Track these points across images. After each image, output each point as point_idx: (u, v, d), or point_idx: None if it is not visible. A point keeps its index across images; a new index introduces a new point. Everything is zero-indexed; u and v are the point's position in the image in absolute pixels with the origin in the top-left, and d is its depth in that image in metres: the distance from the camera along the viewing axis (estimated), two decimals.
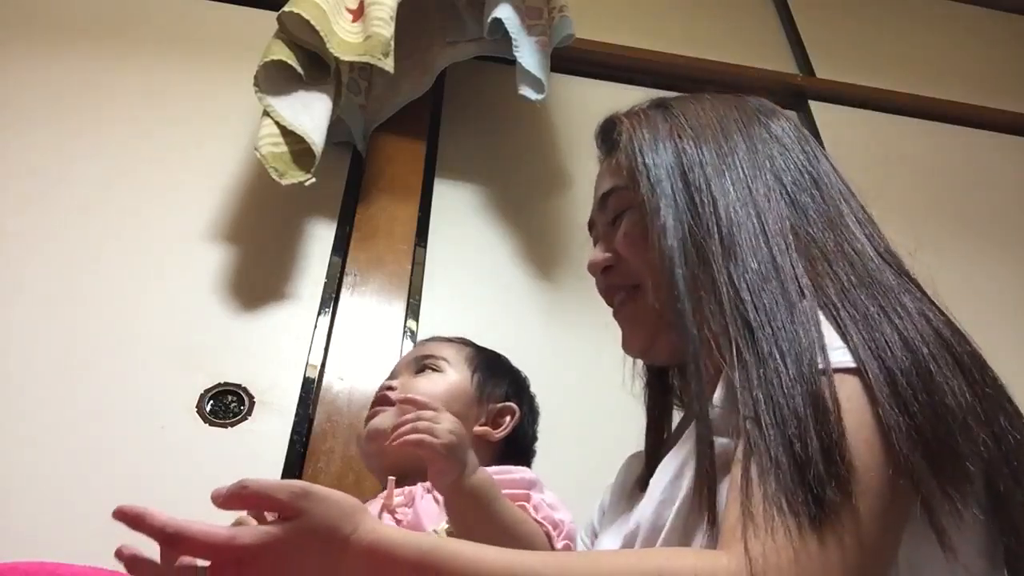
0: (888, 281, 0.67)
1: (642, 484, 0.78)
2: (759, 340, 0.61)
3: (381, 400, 0.88)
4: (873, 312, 0.62)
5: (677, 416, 0.87)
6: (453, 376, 0.87)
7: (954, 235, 1.72)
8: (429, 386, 0.86)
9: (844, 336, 0.60)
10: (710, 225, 0.69)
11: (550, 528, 0.73)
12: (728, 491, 0.59)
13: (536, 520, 0.73)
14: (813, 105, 1.88)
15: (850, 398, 0.57)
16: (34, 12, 1.56)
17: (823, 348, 0.59)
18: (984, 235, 1.75)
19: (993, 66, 2.18)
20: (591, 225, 0.86)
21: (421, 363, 0.89)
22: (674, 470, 0.66)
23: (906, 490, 0.56)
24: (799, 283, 0.64)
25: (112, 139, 1.41)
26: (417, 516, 0.77)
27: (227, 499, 0.57)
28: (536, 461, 0.96)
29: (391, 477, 0.82)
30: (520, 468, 0.81)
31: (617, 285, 0.79)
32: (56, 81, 1.47)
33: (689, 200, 0.71)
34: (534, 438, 0.94)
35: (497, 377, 0.90)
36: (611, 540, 0.76)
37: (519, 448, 0.88)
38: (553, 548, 0.72)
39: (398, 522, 0.76)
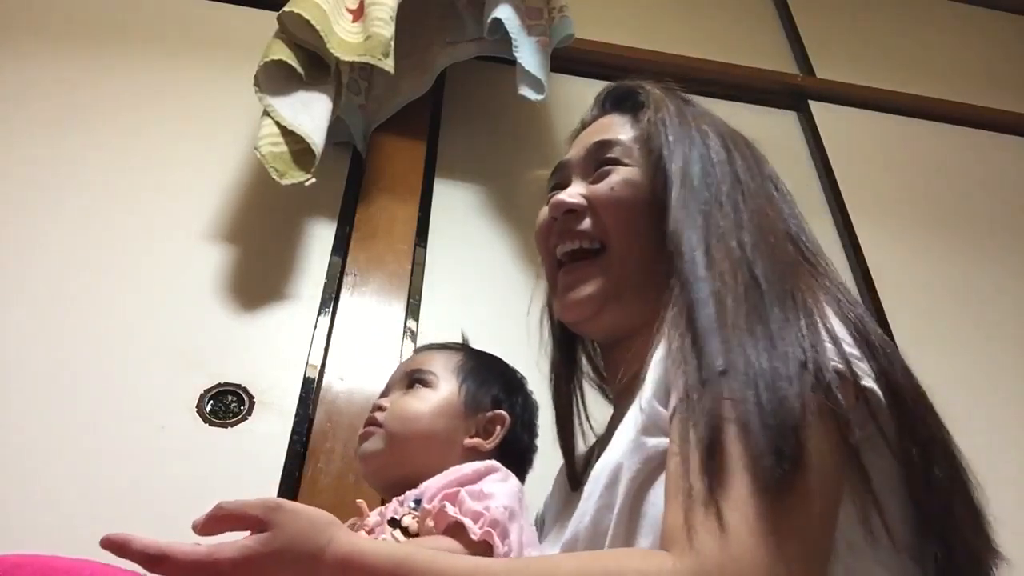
0: (845, 305, 0.69)
1: (574, 484, 0.78)
2: (756, 347, 0.60)
3: (370, 423, 0.88)
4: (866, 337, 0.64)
5: (600, 409, 0.87)
6: (442, 390, 0.87)
7: (954, 235, 1.73)
8: (417, 404, 0.86)
9: (841, 345, 0.61)
10: (726, 222, 0.69)
11: (468, 521, 0.71)
12: (666, 490, 0.58)
13: (452, 517, 0.72)
14: (813, 105, 1.88)
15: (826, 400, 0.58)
16: (31, 11, 1.56)
17: (813, 355, 0.60)
18: (985, 235, 1.75)
19: (994, 66, 2.18)
20: (561, 167, 0.83)
21: (411, 378, 0.90)
22: (608, 475, 0.65)
23: (843, 475, 0.57)
24: (794, 296, 0.65)
25: (111, 139, 1.41)
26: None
27: (205, 523, 0.60)
28: (534, 462, 0.96)
29: (359, 500, 0.83)
30: (476, 463, 0.80)
31: (575, 232, 0.77)
32: (53, 80, 1.46)
33: (705, 189, 0.72)
34: (531, 441, 0.93)
35: (486, 385, 0.90)
36: (550, 549, 0.75)
37: (513, 453, 0.87)
38: (470, 539, 0.70)
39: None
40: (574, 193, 0.78)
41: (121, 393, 1.12)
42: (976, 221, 1.77)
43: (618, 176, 0.76)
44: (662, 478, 0.60)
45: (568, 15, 1.44)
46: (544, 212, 0.82)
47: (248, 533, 0.59)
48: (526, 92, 1.37)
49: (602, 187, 0.76)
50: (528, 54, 1.37)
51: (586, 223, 0.77)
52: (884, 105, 1.93)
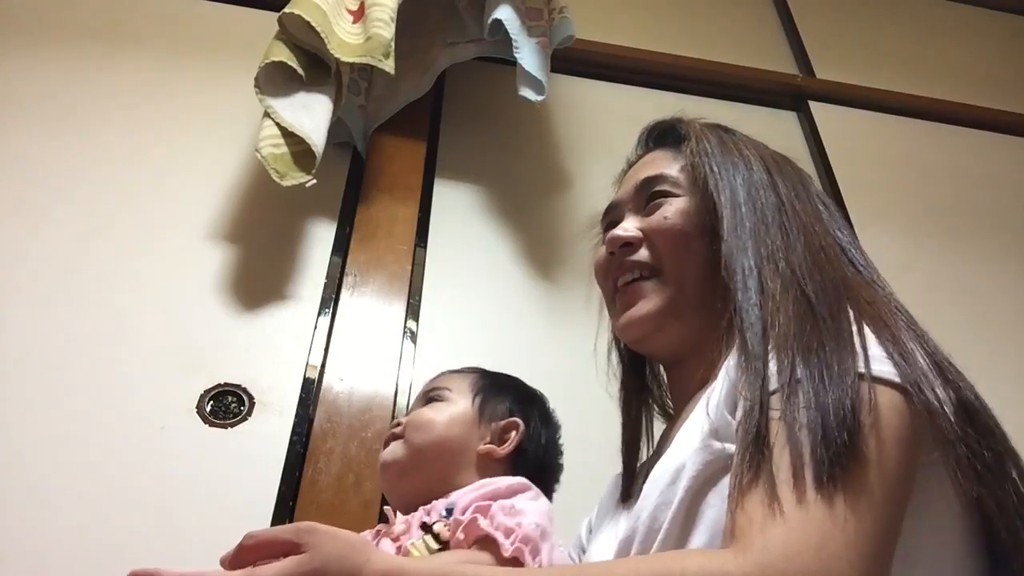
0: (908, 322, 0.72)
1: (625, 497, 0.79)
2: (810, 361, 0.61)
3: (391, 436, 0.90)
4: (908, 344, 0.65)
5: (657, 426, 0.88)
6: (456, 402, 0.90)
7: (954, 235, 1.73)
8: (431, 413, 0.89)
9: (890, 357, 0.62)
10: (773, 244, 0.72)
11: (500, 535, 0.71)
12: (729, 493, 0.59)
13: (484, 530, 0.72)
14: (813, 105, 1.88)
15: (886, 408, 0.59)
16: (32, 11, 1.56)
17: (867, 363, 0.61)
18: (984, 235, 1.75)
19: (993, 66, 2.18)
20: (613, 207, 0.86)
21: (428, 396, 0.93)
22: (670, 475, 0.66)
23: (911, 482, 0.58)
24: (847, 310, 0.67)
25: (110, 139, 1.41)
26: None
27: (236, 556, 0.59)
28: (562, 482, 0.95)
29: (387, 507, 0.84)
30: (509, 478, 0.81)
31: (633, 263, 0.80)
32: (54, 81, 1.47)
33: (753, 213, 0.74)
34: (551, 456, 0.93)
35: (499, 396, 0.91)
36: (603, 547, 0.77)
37: (530, 460, 0.88)
38: (500, 554, 0.70)
39: (398, 549, 0.76)
40: (629, 227, 0.81)
41: (121, 394, 1.12)
42: (975, 221, 1.77)
43: (670, 207, 0.79)
44: (723, 481, 0.61)
45: (568, 16, 1.45)
46: (601, 251, 0.85)
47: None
48: (526, 93, 1.37)
49: (656, 218, 0.79)
50: (528, 55, 1.37)
51: (643, 254, 0.79)
52: (884, 105, 1.93)
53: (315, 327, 1.24)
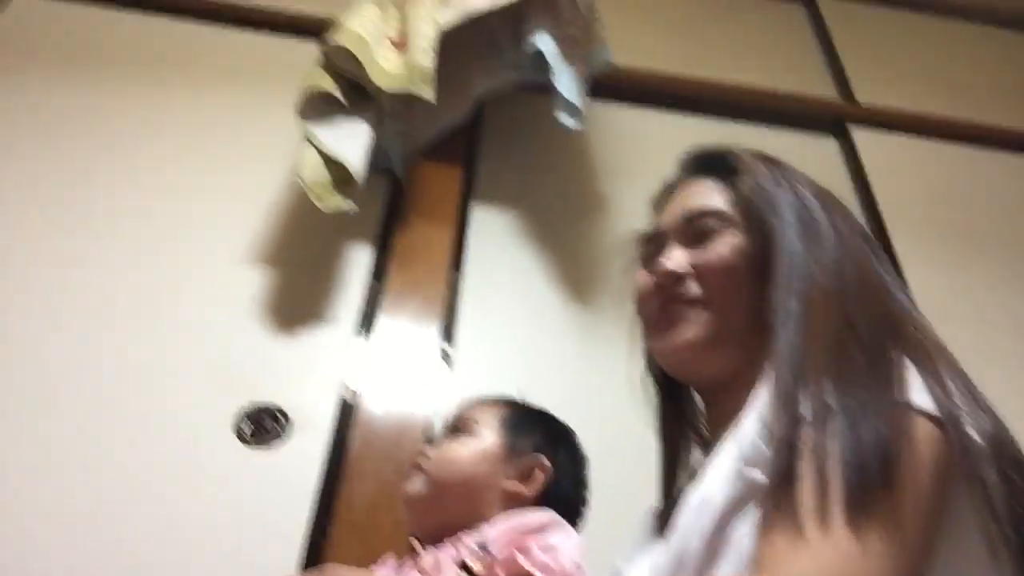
0: (950, 361, 0.70)
1: (662, 527, 0.78)
2: (846, 390, 0.61)
3: (414, 467, 0.90)
4: (952, 380, 0.64)
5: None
6: (483, 437, 0.89)
7: (1003, 266, 1.68)
8: (458, 449, 0.88)
9: (930, 390, 0.61)
10: (825, 284, 0.71)
11: (538, 573, 0.72)
12: (759, 521, 0.59)
13: (523, 568, 0.72)
14: (853, 131, 1.85)
15: (922, 438, 0.58)
16: (76, 40, 1.62)
17: (905, 393, 0.61)
18: None
19: None
20: (657, 234, 0.84)
21: (455, 427, 0.92)
22: (701, 502, 0.66)
23: (939, 516, 0.57)
24: (886, 342, 0.66)
25: (154, 164, 1.45)
26: None
27: None
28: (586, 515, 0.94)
29: (412, 539, 0.84)
30: (535, 512, 0.81)
31: (680, 295, 0.78)
32: (99, 107, 1.51)
33: (809, 243, 0.74)
34: (577, 492, 0.92)
35: (528, 431, 0.90)
36: (638, 571, 0.76)
37: (557, 499, 0.87)
38: None
39: None
40: (680, 260, 0.79)
41: (159, 413, 1.14)
42: None
43: (722, 242, 0.78)
44: (752, 509, 0.61)
45: (606, 43, 1.46)
46: (643, 278, 0.83)
47: None
48: (564, 120, 1.38)
49: (708, 254, 0.78)
50: (566, 82, 1.38)
51: (692, 288, 0.78)
52: (930, 131, 1.89)
53: (353, 350, 1.26)
